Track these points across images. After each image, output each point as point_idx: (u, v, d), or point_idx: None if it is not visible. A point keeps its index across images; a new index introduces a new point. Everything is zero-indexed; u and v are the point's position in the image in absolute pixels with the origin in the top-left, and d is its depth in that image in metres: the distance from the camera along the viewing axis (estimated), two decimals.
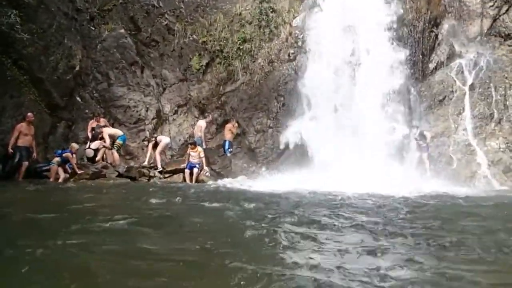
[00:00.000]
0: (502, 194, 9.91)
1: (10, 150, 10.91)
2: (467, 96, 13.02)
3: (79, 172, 11.57)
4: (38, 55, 13.20)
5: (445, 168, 12.47)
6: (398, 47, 13.48)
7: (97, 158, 12.71)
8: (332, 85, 13.19)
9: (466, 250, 4.03)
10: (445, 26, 13.81)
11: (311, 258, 3.62)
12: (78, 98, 14.63)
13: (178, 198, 7.51)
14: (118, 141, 13.17)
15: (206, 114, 14.94)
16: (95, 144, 12.89)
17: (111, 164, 12.66)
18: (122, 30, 15.36)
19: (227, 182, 11.77)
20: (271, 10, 15.06)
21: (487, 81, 12.88)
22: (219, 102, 15.06)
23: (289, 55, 14.48)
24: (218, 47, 15.09)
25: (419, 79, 13.64)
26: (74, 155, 11.78)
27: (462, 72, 13.24)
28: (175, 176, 12.93)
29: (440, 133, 13.02)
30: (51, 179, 11.28)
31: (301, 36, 14.49)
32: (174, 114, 15.55)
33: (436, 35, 13.87)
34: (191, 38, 15.26)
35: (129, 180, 11.85)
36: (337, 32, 13.50)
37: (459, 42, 13.69)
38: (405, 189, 9.10)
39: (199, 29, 15.30)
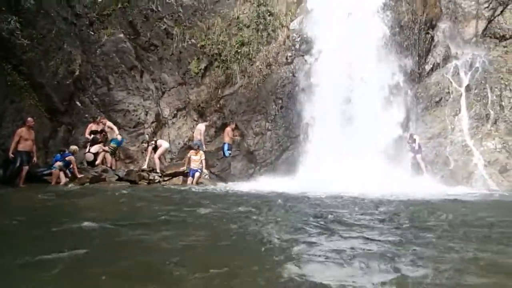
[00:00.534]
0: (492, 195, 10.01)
1: (11, 155, 11.00)
2: (463, 97, 13.15)
3: (79, 176, 11.68)
4: (38, 60, 13.35)
5: (442, 168, 12.59)
6: (396, 50, 13.60)
7: (97, 162, 12.82)
8: (330, 86, 13.26)
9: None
10: (441, 28, 13.96)
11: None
12: (78, 103, 14.78)
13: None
14: (112, 144, 13.30)
15: (208, 118, 15.03)
16: (94, 148, 13.01)
17: (110, 167, 12.78)
18: (121, 35, 15.50)
19: (228, 185, 11.94)
20: (268, 13, 15.20)
21: (482, 82, 13.00)
22: (218, 105, 15.18)
23: (286, 58, 14.60)
24: (216, 51, 15.22)
25: (415, 80, 13.76)
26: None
27: (458, 73, 13.38)
28: (174, 179, 13.04)
29: (437, 134, 13.15)
30: (52, 183, 11.40)
31: (299, 39, 14.63)
32: (173, 117, 15.68)
33: (432, 37, 14.01)
34: (189, 42, 15.40)
35: (129, 183, 11.96)
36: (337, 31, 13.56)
37: (455, 43, 13.84)
38: (397, 190, 9.24)
39: (197, 33, 15.43)
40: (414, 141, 12.84)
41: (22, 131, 11.22)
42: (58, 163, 11.64)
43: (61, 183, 11.36)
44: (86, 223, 4.93)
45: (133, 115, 15.20)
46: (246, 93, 14.74)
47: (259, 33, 15.16)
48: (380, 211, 6.60)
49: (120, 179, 12.19)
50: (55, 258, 3.55)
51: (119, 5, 15.60)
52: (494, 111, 12.74)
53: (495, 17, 13.50)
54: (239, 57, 15.02)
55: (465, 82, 13.26)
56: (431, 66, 13.84)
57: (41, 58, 13.41)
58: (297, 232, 4.80)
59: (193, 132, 14.75)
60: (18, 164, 11.06)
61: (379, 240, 4.38)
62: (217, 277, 3.15)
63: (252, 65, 14.86)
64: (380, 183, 10.10)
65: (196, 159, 12.81)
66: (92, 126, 13.55)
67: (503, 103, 12.74)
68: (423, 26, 13.92)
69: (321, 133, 12.91)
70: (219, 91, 15.18)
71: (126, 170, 13.05)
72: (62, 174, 11.59)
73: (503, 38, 13.34)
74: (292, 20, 15.18)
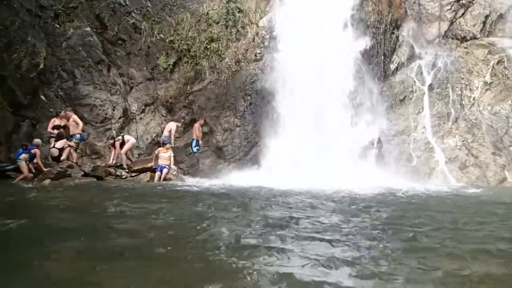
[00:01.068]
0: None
1: None
2: (426, 96, 13.59)
3: (45, 170, 11.44)
4: (0, 52, 12.95)
5: (405, 165, 12.97)
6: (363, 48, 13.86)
7: (62, 158, 12.54)
8: (296, 82, 13.43)
9: None
10: (406, 28, 14.36)
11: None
12: (42, 97, 14.43)
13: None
14: (75, 140, 13.02)
15: (181, 120, 14.80)
16: (60, 143, 12.71)
17: (76, 163, 12.55)
18: (88, 28, 15.19)
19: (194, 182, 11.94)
20: (238, 10, 15.22)
21: (444, 81, 13.48)
22: (187, 101, 15.12)
23: (255, 55, 14.69)
24: (185, 46, 15.14)
25: (381, 79, 14.10)
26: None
27: (422, 72, 13.82)
28: (142, 175, 12.93)
29: (400, 132, 13.55)
30: (17, 178, 11.11)
31: (268, 36, 14.73)
32: (141, 113, 15.50)
33: (397, 37, 14.38)
34: (158, 37, 15.25)
35: (95, 179, 11.79)
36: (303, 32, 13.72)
37: (419, 44, 14.27)
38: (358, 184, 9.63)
39: (166, 28, 15.30)
40: (379, 140, 13.12)
41: None
42: (24, 155, 11.35)
43: (21, 177, 11.06)
44: None
45: (100, 110, 14.95)
46: (215, 89, 14.75)
47: (229, 30, 15.18)
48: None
49: (86, 175, 12.00)
50: None
51: None
52: (455, 109, 13.23)
53: (456, 19, 13.97)
54: (208, 53, 14.99)
55: (428, 81, 13.70)
56: (396, 65, 14.23)
57: (3, 51, 13.05)
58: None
59: (162, 128, 14.65)
60: None
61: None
62: None
63: (221, 61, 14.87)
64: (344, 178, 10.36)
65: (165, 157, 12.72)
66: (56, 121, 13.19)
67: (463, 102, 13.24)
68: (388, 26, 14.27)
69: (288, 130, 13.05)
70: (188, 86, 15.12)
71: (92, 166, 12.84)
72: (26, 167, 11.31)
73: (464, 39, 13.83)
74: (261, 18, 15.27)
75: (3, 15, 13.16)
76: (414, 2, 14.33)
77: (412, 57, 14.22)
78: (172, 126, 14.13)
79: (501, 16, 13.67)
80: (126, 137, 13.63)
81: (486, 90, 13.09)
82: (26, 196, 7.92)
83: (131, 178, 12.72)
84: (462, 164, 12.64)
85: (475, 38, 13.73)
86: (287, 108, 13.36)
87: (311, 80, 13.46)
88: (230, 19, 15.15)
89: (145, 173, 12.97)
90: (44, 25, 14.76)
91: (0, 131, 11.72)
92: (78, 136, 13.12)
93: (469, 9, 13.95)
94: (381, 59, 14.11)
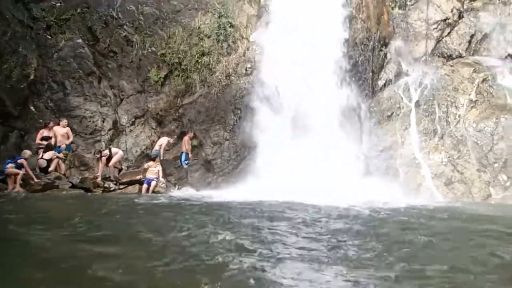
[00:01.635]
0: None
1: None
2: (413, 113, 13.82)
3: (35, 179, 11.44)
4: None
5: (392, 180, 13.10)
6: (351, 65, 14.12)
7: (50, 169, 12.51)
8: (286, 98, 13.62)
9: None
10: (393, 46, 14.66)
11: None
12: (32, 108, 14.40)
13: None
14: (64, 151, 13.03)
15: (173, 134, 14.88)
16: (48, 154, 12.68)
17: (64, 175, 12.53)
18: (80, 40, 15.26)
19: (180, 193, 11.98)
20: (229, 25, 15.42)
21: (431, 98, 13.73)
22: (177, 114, 15.19)
23: (246, 69, 14.85)
24: (176, 60, 15.26)
25: (369, 95, 14.32)
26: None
27: (409, 89, 14.07)
28: (130, 187, 12.94)
29: (388, 147, 13.72)
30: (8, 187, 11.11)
31: (258, 51, 14.92)
32: (131, 125, 15.51)
33: (385, 54, 14.66)
34: (149, 50, 15.36)
35: (83, 191, 11.78)
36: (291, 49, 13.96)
37: (406, 61, 14.57)
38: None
39: (158, 41, 15.43)
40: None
41: None
42: (10, 165, 11.36)
43: (9, 188, 11.07)
44: None
45: (90, 121, 14.94)
46: (205, 102, 14.85)
47: (220, 44, 15.35)
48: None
49: (73, 186, 11.98)
50: None
51: (78, 10, 15.38)
52: (441, 126, 13.46)
53: (443, 38, 14.32)
54: (199, 66, 15.13)
55: (415, 98, 13.95)
56: (384, 81, 14.48)
57: None
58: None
59: (152, 141, 14.70)
60: None
61: None
62: None
63: (212, 75, 15.01)
64: (331, 191, 10.48)
65: (154, 171, 12.80)
66: (44, 132, 13.16)
67: (449, 119, 13.48)
68: (376, 44, 14.54)
69: (276, 144, 13.14)
70: (179, 100, 15.20)
71: (80, 177, 12.82)
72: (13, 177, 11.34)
73: (450, 57, 14.17)
74: (252, 33, 15.49)
75: None
76: (402, 21, 14.68)
77: (399, 74, 14.50)
78: (163, 141, 14.22)
79: (486, 36, 14.04)
80: (114, 149, 13.58)
81: (472, 107, 13.35)
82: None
83: (120, 190, 12.72)
84: (448, 180, 12.82)
85: (460, 56, 14.07)
86: (274, 122, 13.51)
87: (298, 95, 13.67)
88: (221, 33, 15.34)
89: (133, 186, 13.00)
90: (36, 36, 14.80)
91: None
92: (64, 146, 13.12)
93: (455, 29, 14.31)
94: (369, 76, 14.35)
